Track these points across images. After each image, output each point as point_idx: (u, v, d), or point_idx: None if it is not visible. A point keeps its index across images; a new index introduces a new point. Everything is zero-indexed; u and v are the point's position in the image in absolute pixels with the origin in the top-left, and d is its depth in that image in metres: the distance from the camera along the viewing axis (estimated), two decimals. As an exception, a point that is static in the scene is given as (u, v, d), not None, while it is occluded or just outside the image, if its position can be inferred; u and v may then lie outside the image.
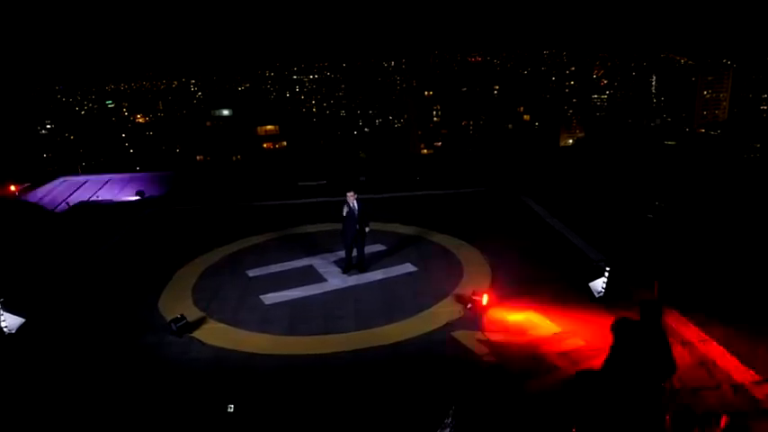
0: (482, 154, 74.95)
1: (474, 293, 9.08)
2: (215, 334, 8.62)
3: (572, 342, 8.02)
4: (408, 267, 10.94)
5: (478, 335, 8.30)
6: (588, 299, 9.17)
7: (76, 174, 25.37)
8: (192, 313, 9.26)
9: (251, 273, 10.96)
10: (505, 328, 8.52)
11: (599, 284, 8.99)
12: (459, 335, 8.34)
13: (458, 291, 9.76)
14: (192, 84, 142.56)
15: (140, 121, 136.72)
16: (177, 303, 9.66)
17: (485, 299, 9.01)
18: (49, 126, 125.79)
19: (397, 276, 10.58)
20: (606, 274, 8.91)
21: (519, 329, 8.45)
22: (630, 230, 12.56)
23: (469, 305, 9.04)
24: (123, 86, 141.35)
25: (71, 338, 8.58)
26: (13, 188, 19.16)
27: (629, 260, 10.53)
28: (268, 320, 9.02)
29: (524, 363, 7.48)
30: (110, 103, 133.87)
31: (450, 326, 8.62)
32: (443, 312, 9.05)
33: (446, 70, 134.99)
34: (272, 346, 8.25)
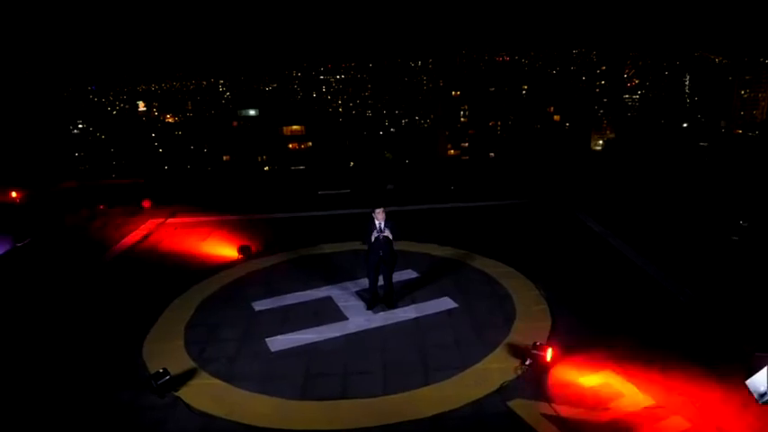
0: (522, 158, 71.88)
1: (535, 346, 7.10)
2: (205, 394, 6.80)
3: (672, 422, 5.98)
4: (447, 303, 8.98)
5: (543, 407, 6.31)
6: (683, 354, 7.15)
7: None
8: (181, 361, 7.49)
9: (257, 305, 9.15)
10: (578, 395, 6.51)
11: (763, 383, 5.98)
12: (518, 405, 6.35)
13: (511, 339, 7.77)
14: (221, 84, 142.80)
15: (170, 120, 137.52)
16: (165, 346, 7.91)
17: (549, 354, 7.03)
18: (81, 126, 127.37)
19: (433, 315, 8.62)
20: None
21: (596, 399, 6.43)
22: (717, 258, 10.40)
23: (529, 361, 7.06)
24: (154, 87, 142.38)
25: (29, 390, 6.88)
26: (14, 194, 17.80)
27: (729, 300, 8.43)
28: (273, 375, 7.16)
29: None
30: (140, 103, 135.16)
31: (504, 390, 6.65)
32: (495, 369, 7.08)
33: (473, 70, 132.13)
34: (275, 414, 6.39)
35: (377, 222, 8.54)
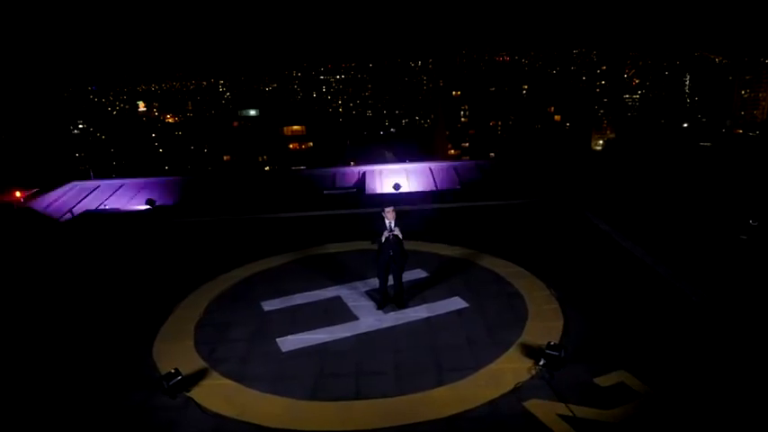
0: (526, 158, 71.71)
1: (549, 345, 7.03)
2: (216, 394, 6.75)
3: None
4: (457, 303, 8.92)
5: (559, 407, 6.26)
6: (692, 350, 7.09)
7: (88, 178, 23.81)
8: (192, 361, 7.44)
9: (266, 305, 9.09)
10: (593, 395, 6.45)
11: None
12: (534, 406, 6.30)
13: (524, 339, 7.71)
14: (221, 84, 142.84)
15: (170, 120, 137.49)
16: (175, 347, 7.86)
17: (562, 353, 6.96)
18: (81, 126, 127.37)
19: (444, 315, 8.56)
20: None
21: (611, 399, 6.37)
22: (726, 258, 10.34)
23: (543, 361, 7.00)
24: (154, 87, 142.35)
25: (41, 391, 6.83)
26: (18, 194, 17.77)
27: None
28: (284, 376, 7.10)
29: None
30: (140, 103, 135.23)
31: (519, 390, 6.60)
32: (509, 370, 7.02)
33: (474, 70, 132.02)
34: (287, 415, 6.33)
35: (387, 222, 8.48)
